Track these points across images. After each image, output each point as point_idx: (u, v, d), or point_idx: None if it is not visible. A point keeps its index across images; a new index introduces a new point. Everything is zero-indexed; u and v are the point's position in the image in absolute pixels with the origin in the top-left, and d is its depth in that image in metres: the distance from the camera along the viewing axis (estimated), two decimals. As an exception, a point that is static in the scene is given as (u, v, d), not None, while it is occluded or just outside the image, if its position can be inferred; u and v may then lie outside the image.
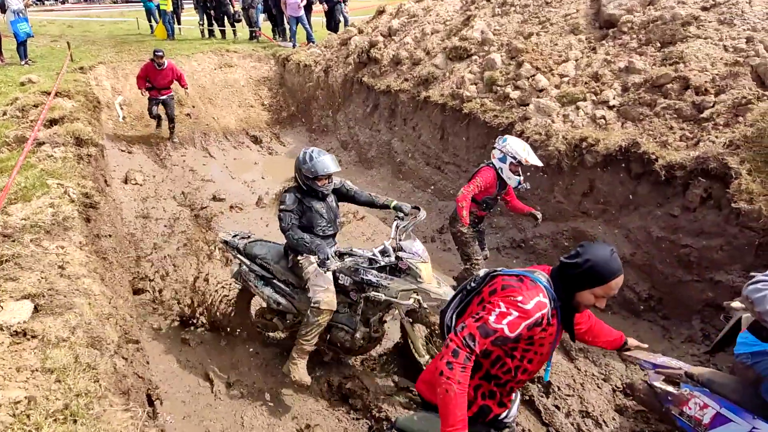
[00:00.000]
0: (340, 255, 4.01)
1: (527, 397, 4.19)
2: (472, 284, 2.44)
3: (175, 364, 4.57)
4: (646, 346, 2.91)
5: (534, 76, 6.95)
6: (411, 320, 4.20)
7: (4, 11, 12.01)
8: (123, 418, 2.53)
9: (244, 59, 13.17)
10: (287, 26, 14.24)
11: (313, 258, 3.98)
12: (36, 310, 3.11)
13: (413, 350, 4.22)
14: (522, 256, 6.53)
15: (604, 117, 5.98)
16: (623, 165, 5.51)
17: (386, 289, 3.94)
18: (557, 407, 4.15)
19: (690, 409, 3.13)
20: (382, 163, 9.43)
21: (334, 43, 12.04)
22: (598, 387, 4.36)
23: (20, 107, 7.38)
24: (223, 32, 16.12)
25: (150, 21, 17.38)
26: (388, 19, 11.05)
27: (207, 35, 16.30)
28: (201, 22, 16.49)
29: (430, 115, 8.29)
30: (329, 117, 11.31)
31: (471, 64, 8.03)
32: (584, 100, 6.31)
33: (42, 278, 3.42)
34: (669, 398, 3.26)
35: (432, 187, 8.20)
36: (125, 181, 8.53)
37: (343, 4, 14.66)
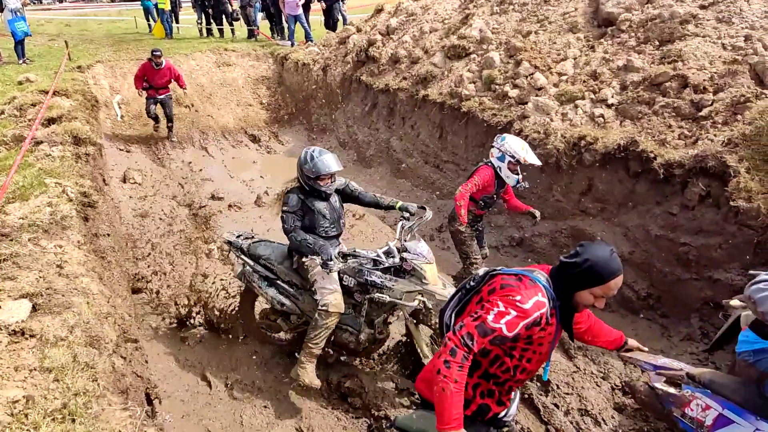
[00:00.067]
0: (344, 256, 3.98)
1: (526, 396, 4.19)
2: (471, 283, 2.44)
3: (174, 363, 4.56)
4: (646, 349, 2.90)
5: (532, 74, 6.95)
6: (415, 321, 4.16)
7: (1, 10, 11.98)
8: (121, 417, 2.53)
9: (242, 58, 13.15)
10: (285, 25, 14.22)
11: (318, 259, 3.94)
12: (34, 309, 3.10)
13: (418, 351, 4.18)
14: (521, 254, 6.53)
15: (602, 115, 5.98)
16: (622, 163, 5.51)
17: (390, 290, 3.90)
18: (556, 405, 4.15)
19: (692, 410, 3.09)
20: (381, 161, 9.42)
21: (332, 41, 12.02)
22: (597, 385, 4.36)
23: (18, 106, 7.37)
24: (221, 31, 16.10)
25: (148, 20, 17.36)
26: (386, 17, 11.04)
27: (205, 34, 16.29)
28: (199, 21, 16.48)
29: (428, 113, 8.29)
30: (328, 116, 11.30)
31: (469, 62, 8.02)
32: (583, 98, 6.31)
33: (40, 277, 3.41)
34: (670, 400, 3.23)
35: (431, 186, 8.20)
36: (124, 180, 8.52)
37: (341, 3, 14.65)
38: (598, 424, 4.00)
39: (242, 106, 12.20)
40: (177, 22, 17.25)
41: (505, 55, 7.57)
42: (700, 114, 5.27)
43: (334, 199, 4.22)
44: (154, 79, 9.76)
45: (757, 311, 2.54)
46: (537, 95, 6.71)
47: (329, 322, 3.93)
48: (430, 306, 3.99)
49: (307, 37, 13.51)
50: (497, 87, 7.21)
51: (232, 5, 16.19)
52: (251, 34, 15.44)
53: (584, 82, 6.51)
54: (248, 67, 13.01)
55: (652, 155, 5.16)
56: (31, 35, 12.69)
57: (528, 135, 6.23)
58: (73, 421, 2.34)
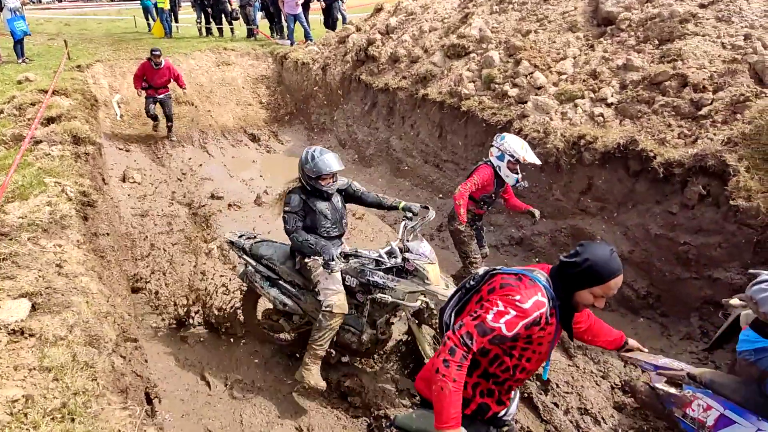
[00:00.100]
0: (346, 256, 3.95)
1: (526, 395, 4.20)
2: (471, 282, 2.44)
3: (174, 362, 4.56)
4: (646, 350, 2.89)
5: (532, 73, 6.95)
6: (417, 322, 4.14)
7: (0, 9, 11.97)
8: (121, 416, 2.53)
9: (241, 57, 13.15)
10: (285, 24, 14.21)
11: (320, 260, 3.91)
12: (33, 308, 3.10)
13: (421, 351, 4.15)
14: (521, 253, 6.53)
15: (602, 114, 5.98)
16: (621, 162, 5.51)
17: (392, 290, 3.88)
18: (556, 404, 4.15)
19: (693, 411, 3.08)
20: (381, 161, 9.42)
21: (331, 40, 12.01)
22: (597, 384, 4.37)
23: (17, 105, 7.37)
24: (220, 30, 16.09)
25: (147, 19, 17.34)
26: (386, 16, 11.03)
27: (204, 33, 16.28)
28: (198, 20, 16.46)
29: (428, 113, 8.28)
30: (327, 115, 11.30)
31: (469, 61, 8.01)
32: (582, 97, 6.31)
33: (39, 277, 3.41)
34: (671, 400, 3.22)
35: (431, 185, 8.20)
36: (123, 180, 8.52)
37: (340, 2, 14.63)
38: (598, 423, 4.00)
39: (242, 105, 12.20)
40: (176, 21, 17.25)
41: (504, 54, 7.57)
42: (700, 113, 5.27)
43: (337, 199, 4.19)
44: (153, 79, 9.76)
45: (759, 311, 2.54)
46: (536, 94, 6.71)
47: (333, 323, 3.91)
48: (433, 306, 3.97)
49: (307, 36, 13.50)
50: (497, 86, 7.21)
51: (231, 4, 16.18)
52: (251, 34, 15.43)
53: (584, 81, 6.51)
54: (248, 66, 13.01)
55: (651, 154, 5.16)
56: (30, 34, 12.69)
57: (527, 134, 6.23)
58: (73, 420, 2.34)
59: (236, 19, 16.26)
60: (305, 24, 13.56)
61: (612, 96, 6.07)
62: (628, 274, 5.25)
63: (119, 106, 11.01)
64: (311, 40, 13.25)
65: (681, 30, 6.05)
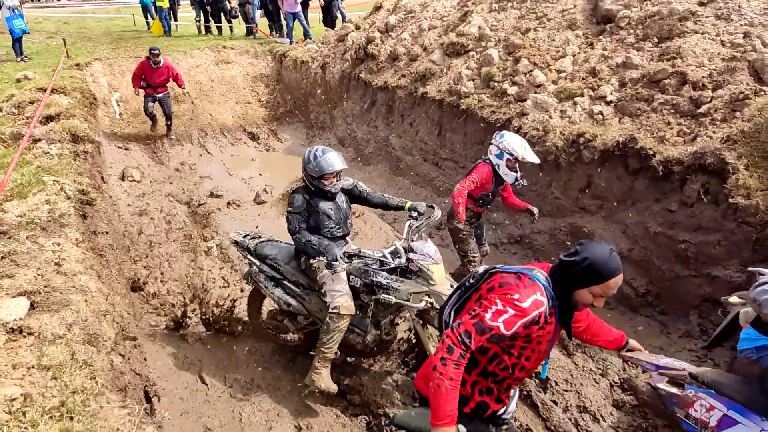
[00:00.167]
0: (349, 256, 3.91)
1: (525, 393, 4.19)
2: (471, 281, 2.43)
3: (173, 360, 4.56)
4: (647, 351, 2.88)
5: (531, 71, 6.94)
6: (422, 322, 4.09)
7: (-1, 7, 11.96)
8: (120, 414, 2.53)
9: (241, 56, 13.13)
10: (284, 22, 14.18)
11: (324, 260, 3.85)
12: (32, 307, 3.10)
13: (426, 352, 4.10)
14: (520, 252, 6.53)
15: (601, 112, 5.97)
16: (621, 160, 5.51)
17: (397, 291, 3.84)
18: (555, 402, 4.16)
19: (696, 411, 3.04)
20: (380, 159, 9.41)
21: (331, 39, 12.00)
22: (596, 382, 4.37)
23: (16, 104, 7.36)
24: (219, 29, 16.06)
25: (146, 17, 17.31)
26: (385, 14, 11.02)
27: (204, 32, 16.26)
28: (197, 19, 16.44)
29: (427, 111, 8.28)
30: (326, 113, 11.29)
31: (468, 59, 8.01)
32: (582, 95, 6.30)
33: (38, 275, 3.41)
34: (673, 400, 3.18)
35: (430, 184, 8.20)
36: (122, 178, 8.52)
37: (339, 0, 14.61)
38: (597, 420, 4.00)
39: (241, 103, 12.18)
40: (175, 19, 17.22)
41: (503, 53, 7.56)
42: (699, 111, 5.26)
43: (341, 200, 4.14)
44: (152, 78, 9.76)
45: (763, 312, 2.53)
46: (536, 92, 6.70)
47: (341, 325, 3.88)
48: (437, 307, 3.94)
49: (306, 34, 13.49)
50: (496, 84, 7.20)
51: (230, 3, 16.14)
52: (250, 32, 15.40)
53: (583, 79, 6.50)
54: (247, 64, 12.99)
55: (650, 152, 5.16)
56: (29, 33, 12.68)
57: (527, 132, 6.23)
58: (71, 419, 2.34)
59: (235, 17, 16.23)
60: (304, 22, 13.54)
61: (611, 94, 6.07)
62: (628, 272, 5.24)
63: (118, 105, 11.00)
64: (310, 38, 13.24)
65: (680, 28, 6.04)
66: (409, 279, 3.85)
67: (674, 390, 3.19)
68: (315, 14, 15.98)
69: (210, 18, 16.19)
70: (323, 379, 3.93)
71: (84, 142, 6.37)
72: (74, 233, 4.17)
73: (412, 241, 3.96)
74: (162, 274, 5.86)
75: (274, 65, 13.00)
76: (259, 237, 4.57)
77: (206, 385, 4.31)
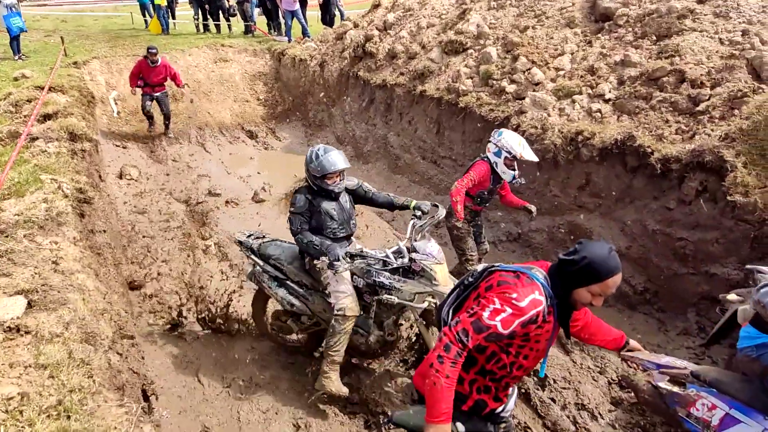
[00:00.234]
0: (351, 256, 3.85)
1: (523, 390, 4.20)
2: (470, 279, 2.43)
3: (171, 359, 4.55)
4: (647, 351, 2.86)
5: (530, 69, 6.94)
6: (425, 323, 4.06)
7: (-4, 6, 11.91)
8: (117, 413, 2.52)
9: (239, 54, 13.11)
10: (282, 20, 14.16)
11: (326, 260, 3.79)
12: (29, 305, 3.09)
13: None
14: (518, 250, 6.53)
15: (599, 110, 5.97)
16: (619, 158, 5.51)
17: (399, 291, 3.79)
18: (553, 400, 4.16)
19: (697, 410, 3.01)
20: (378, 157, 9.41)
21: (329, 37, 11.98)
22: (594, 380, 4.37)
23: (13, 102, 7.34)
24: (218, 27, 16.04)
25: (144, 16, 17.29)
26: (383, 12, 11.00)
27: (202, 30, 16.23)
28: (196, 17, 16.41)
29: (426, 109, 8.27)
30: (325, 111, 11.28)
31: (467, 57, 8.00)
32: (580, 93, 6.30)
33: (35, 274, 3.40)
34: (675, 399, 3.15)
35: (428, 182, 8.20)
36: (120, 177, 8.51)
37: (338, -2, 14.61)
38: (595, 418, 4.01)
39: (239, 102, 12.17)
40: (173, 17, 17.19)
41: (502, 51, 7.56)
42: (698, 109, 5.27)
43: (345, 199, 4.08)
44: (149, 77, 9.74)
45: (767, 314, 2.53)
46: (534, 90, 6.70)
47: (347, 327, 3.83)
48: None
49: (304, 32, 13.47)
50: (494, 82, 7.20)
51: (229, 1, 16.13)
52: (248, 30, 15.38)
53: (581, 77, 6.50)
54: (245, 63, 12.98)
55: (649, 150, 5.16)
56: (26, 31, 12.63)
57: (525, 130, 6.23)
58: (69, 417, 2.34)
59: (233, 15, 16.20)
60: (303, 20, 13.52)
61: (610, 92, 6.07)
62: (626, 269, 5.19)
63: (116, 103, 10.98)
64: (309, 36, 13.23)
65: (679, 26, 6.05)
66: (411, 279, 3.79)
67: (676, 389, 3.17)
68: (313, 12, 15.96)
69: (208, 16, 16.18)
70: (333, 382, 3.89)
71: (82, 141, 6.36)
72: (72, 232, 4.16)
73: (416, 240, 3.91)
74: (159, 274, 5.84)
75: (272, 63, 12.98)
76: (263, 237, 4.53)
77: (204, 383, 4.30)
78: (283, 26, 14.21)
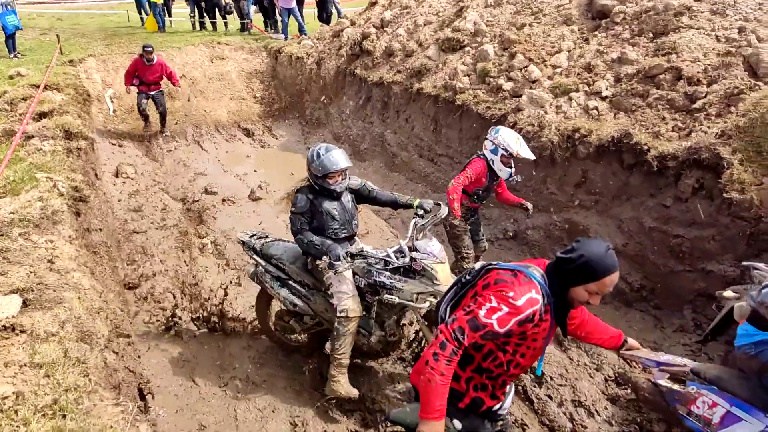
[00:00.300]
0: (352, 256, 3.82)
1: (520, 387, 4.20)
2: (468, 277, 2.42)
3: (168, 357, 4.54)
4: (646, 349, 2.85)
5: (527, 67, 6.93)
6: (427, 323, 4.02)
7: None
8: (113, 412, 2.52)
9: (235, 52, 13.07)
10: (279, 18, 14.14)
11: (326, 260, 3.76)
12: (25, 304, 3.08)
13: None
14: (515, 247, 6.53)
15: (596, 108, 5.97)
16: (616, 156, 5.52)
17: (400, 291, 3.76)
18: (550, 397, 4.16)
19: (698, 408, 3.00)
20: (375, 155, 9.40)
21: (326, 35, 11.96)
22: (591, 377, 4.38)
23: (9, 100, 7.31)
24: (214, 24, 15.99)
25: (140, 13, 17.22)
26: (380, 10, 10.98)
27: (198, 27, 16.18)
28: (192, 15, 16.35)
29: (423, 107, 8.26)
30: (322, 109, 11.26)
31: (464, 55, 7.99)
32: (577, 91, 6.30)
33: (31, 272, 3.38)
34: (675, 397, 3.14)
35: (425, 180, 8.19)
36: (116, 175, 8.48)
37: (335, -4, 14.57)
38: (592, 415, 4.01)
39: (236, 100, 12.13)
40: (170, 15, 17.12)
41: (499, 48, 7.55)
42: (694, 106, 5.27)
43: (347, 199, 4.03)
44: (145, 75, 9.70)
45: None
46: (531, 88, 6.70)
47: (350, 328, 3.81)
48: None
49: (301, 30, 13.44)
50: (491, 80, 7.20)
51: (225, -2, 16.10)
52: (244, 28, 15.34)
53: (578, 74, 6.50)
54: (242, 60, 12.94)
55: (645, 147, 5.16)
56: (22, 29, 12.59)
57: (522, 128, 6.23)
58: (64, 417, 2.33)
59: (230, 13, 16.16)
60: (299, 18, 13.49)
61: (606, 89, 6.07)
62: (622, 267, 5.20)
63: (112, 101, 10.93)
64: (305, 34, 13.20)
65: (675, 23, 6.05)
66: (412, 279, 3.75)
67: (676, 387, 3.16)
68: (310, 10, 15.92)
69: (204, 14, 16.12)
70: (342, 386, 3.86)
71: (77, 139, 6.33)
72: (67, 230, 4.14)
73: (417, 239, 3.88)
74: (155, 273, 5.82)
75: (269, 61, 12.95)
76: (266, 237, 4.50)
77: (201, 382, 4.29)
78: (279, 24, 14.19)
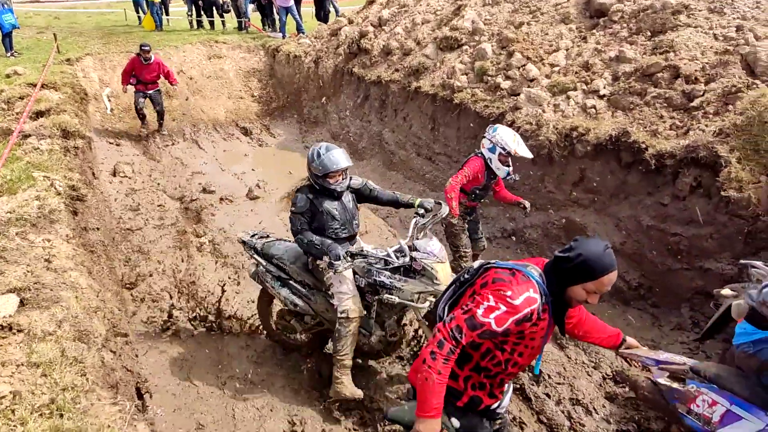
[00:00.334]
0: (352, 255, 3.78)
1: (518, 386, 4.20)
2: (466, 276, 2.42)
3: (165, 356, 4.53)
4: (645, 348, 2.85)
5: (525, 65, 6.93)
6: (428, 323, 4.01)
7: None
8: (111, 411, 2.51)
9: (233, 50, 13.04)
10: (276, 16, 14.11)
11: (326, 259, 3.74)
12: (22, 303, 3.08)
13: None
14: (513, 246, 6.53)
15: (594, 106, 5.98)
16: (613, 154, 5.52)
17: (400, 291, 3.74)
18: (548, 395, 4.17)
19: (698, 406, 2.99)
20: (373, 154, 9.39)
21: (324, 33, 11.94)
22: (588, 375, 4.38)
23: (6, 99, 7.30)
24: (211, 23, 15.97)
25: (138, 12, 17.18)
26: (378, 8, 10.97)
27: (195, 26, 16.17)
28: (189, 13, 16.32)
29: (420, 105, 8.26)
30: (320, 108, 11.25)
31: (462, 54, 7.99)
32: (575, 89, 6.30)
33: (28, 272, 3.38)
34: (675, 396, 3.13)
35: (423, 178, 8.19)
36: (114, 174, 8.45)
37: (332, -6, 14.55)
38: (590, 413, 4.02)
39: (233, 98, 12.11)
40: (167, 14, 17.09)
41: (497, 47, 7.55)
42: (692, 104, 5.28)
43: (347, 199, 4.00)
44: (142, 74, 9.67)
45: None
46: (529, 86, 6.70)
47: (352, 328, 3.79)
48: None
49: (299, 28, 13.42)
50: (489, 78, 7.19)
51: (222, -3, 16.06)
52: (242, 26, 15.32)
53: (576, 73, 6.50)
54: (239, 59, 12.91)
55: (643, 146, 5.17)
56: (19, 27, 12.54)
57: (520, 126, 6.22)
58: (61, 416, 2.32)
59: (227, 11, 16.14)
60: (297, 16, 13.47)
61: (604, 88, 6.07)
62: (620, 265, 5.18)
63: (109, 100, 10.90)
64: (303, 32, 13.18)
65: (673, 21, 6.05)
66: (413, 278, 3.73)
67: (675, 385, 3.15)
68: (308, 8, 15.90)
69: (202, 12, 16.09)
70: (347, 387, 3.85)
71: (75, 138, 6.33)
72: (64, 229, 4.14)
73: (417, 238, 3.86)
74: (152, 272, 5.81)
75: (266, 60, 12.92)
76: (267, 236, 4.48)
77: (199, 381, 4.28)
78: (277, 22, 14.16)
